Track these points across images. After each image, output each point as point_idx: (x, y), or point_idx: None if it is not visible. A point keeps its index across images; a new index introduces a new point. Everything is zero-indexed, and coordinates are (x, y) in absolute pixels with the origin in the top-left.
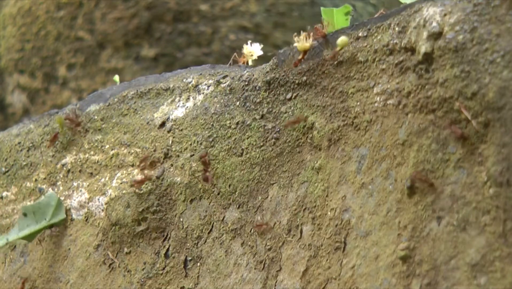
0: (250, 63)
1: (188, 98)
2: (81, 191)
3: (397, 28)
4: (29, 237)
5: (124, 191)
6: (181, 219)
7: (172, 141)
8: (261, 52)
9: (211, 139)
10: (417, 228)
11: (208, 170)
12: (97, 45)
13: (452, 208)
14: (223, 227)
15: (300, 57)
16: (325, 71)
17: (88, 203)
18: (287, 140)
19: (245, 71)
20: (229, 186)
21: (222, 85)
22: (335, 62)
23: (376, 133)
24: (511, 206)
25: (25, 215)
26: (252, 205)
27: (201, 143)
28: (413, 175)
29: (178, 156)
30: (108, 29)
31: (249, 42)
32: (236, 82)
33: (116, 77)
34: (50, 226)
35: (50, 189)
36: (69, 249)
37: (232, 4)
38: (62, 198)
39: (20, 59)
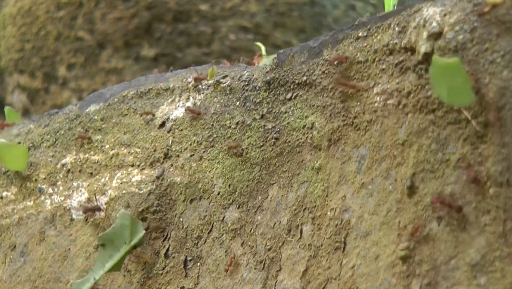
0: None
1: (188, 98)
2: (81, 191)
3: (397, 28)
4: (116, 267)
5: (124, 191)
6: (181, 219)
7: (172, 141)
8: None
9: (211, 139)
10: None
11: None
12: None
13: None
14: (223, 227)
15: (487, 9)
16: (325, 71)
17: (88, 203)
18: (287, 140)
19: (245, 71)
20: (229, 186)
21: (222, 85)
22: (335, 62)
23: (376, 133)
24: (511, 206)
25: (103, 245)
26: (252, 205)
27: (201, 144)
28: (434, 199)
29: (178, 156)
30: (108, 29)
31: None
32: (236, 82)
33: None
34: (134, 247)
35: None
36: (69, 249)
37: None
38: (62, 198)
39: (20, 59)
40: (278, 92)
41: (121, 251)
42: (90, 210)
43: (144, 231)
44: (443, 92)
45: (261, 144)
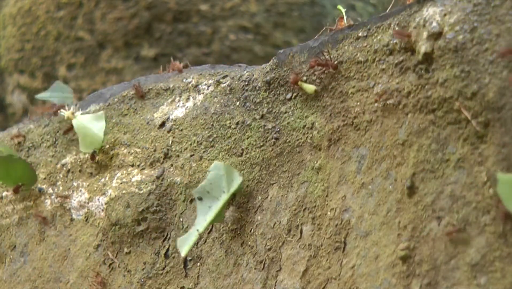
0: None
1: (188, 98)
2: (81, 191)
3: (397, 28)
4: (218, 218)
5: (124, 191)
6: (181, 219)
7: (172, 141)
8: None
9: (211, 139)
10: (417, 228)
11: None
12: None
13: (452, 208)
14: (223, 227)
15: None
16: (325, 72)
17: (88, 203)
18: (287, 140)
19: (245, 71)
20: None
21: (222, 85)
22: (335, 62)
23: (376, 133)
24: None
25: (200, 199)
26: (252, 205)
27: (201, 143)
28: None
29: (178, 156)
30: (108, 29)
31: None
32: (236, 82)
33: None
34: (233, 196)
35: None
36: (69, 249)
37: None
38: (61, 198)
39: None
40: (278, 92)
41: (220, 200)
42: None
43: (241, 178)
44: None
45: (261, 144)
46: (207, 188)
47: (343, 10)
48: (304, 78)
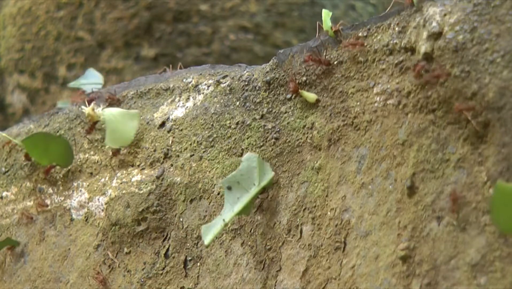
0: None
1: (188, 98)
2: (81, 191)
3: (397, 28)
4: (245, 210)
5: (124, 191)
6: (181, 219)
7: (172, 141)
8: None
9: (211, 139)
10: (417, 228)
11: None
12: (97, 45)
13: (452, 208)
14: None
15: None
16: (325, 71)
17: (88, 203)
18: (287, 140)
19: (245, 71)
20: None
21: (222, 85)
22: (335, 62)
23: (376, 133)
24: None
25: (229, 188)
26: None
27: (201, 143)
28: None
29: (178, 156)
30: (108, 29)
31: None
32: (236, 82)
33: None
34: (262, 190)
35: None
36: (69, 249)
37: (232, 4)
38: (62, 198)
39: (20, 59)
40: (278, 92)
41: (250, 192)
42: None
43: (273, 173)
44: (502, 221)
45: (261, 144)
46: (237, 178)
47: (329, 14)
48: (304, 78)
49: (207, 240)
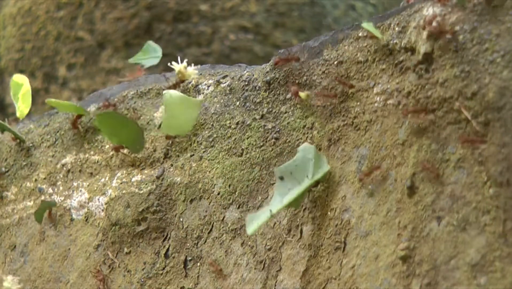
0: None
1: None
2: (81, 191)
3: (397, 28)
4: (295, 203)
5: (124, 191)
6: (181, 219)
7: (172, 142)
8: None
9: (211, 139)
10: (417, 228)
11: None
12: (97, 45)
13: (452, 208)
14: (223, 227)
15: None
16: (325, 71)
17: (88, 203)
18: (287, 140)
19: (245, 71)
20: (229, 186)
21: (222, 85)
22: (335, 62)
23: (376, 133)
24: (511, 206)
25: (281, 178)
26: (252, 205)
27: (201, 143)
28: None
29: (178, 156)
30: (108, 29)
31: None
32: (236, 82)
33: None
34: (315, 184)
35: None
36: (69, 249)
37: (232, 4)
38: (61, 198)
39: (20, 59)
40: (278, 92)
41: (302, 185)
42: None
43: (329, 166)
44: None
45: (261, 144)
46: (291, 169)
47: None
48: (304, 78)
49: (250, 229)
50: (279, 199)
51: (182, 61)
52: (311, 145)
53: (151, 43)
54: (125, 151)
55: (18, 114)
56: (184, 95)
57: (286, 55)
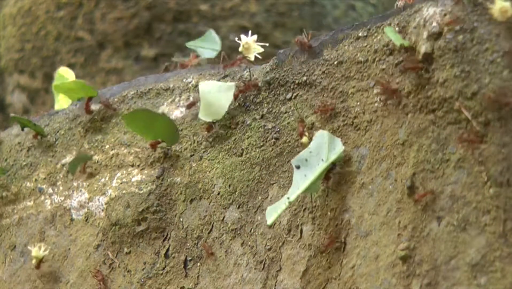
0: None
1: (188, 98)
2: (81, 191)
3: (397, 28)
4: (313, 186)
5: (124, 191)
6: (181, 219)
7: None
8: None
9: (211, 139)
10: (417, 228)
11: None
12: (97, 45)
13: (452, 208)
14: (223, 227)
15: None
16: (325, 71)
17: (88, 203)
18: (287, 140)
19: (245, 71)
20: (229, 186)
21: None
22: (335, 62)
23: (376, 133)
24: (511, 206)
25: (298, 167)
26: (252, 205)
27: (201, 143)
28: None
29: (178, 156)
30: (108, 29)
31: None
32: (236, 82)
33: None
34: (331, 167)
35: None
36: (69, 249)
37: (232, 4)
38: (62, 198)
39: (20, 59)
40: (278, 92)
41: (317, 168)
42: None
43: (343, 147)
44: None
45: (261, 144)
46: (306, 156)
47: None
48: (304, 78)
49: (270, 220)
50: (297, 187)
51: (251, 35)
52: (325, 131)
53: (212, 32)
54: (163, 144)
55: (56, 106)
56: (217, 82)
57: (246, 83)
